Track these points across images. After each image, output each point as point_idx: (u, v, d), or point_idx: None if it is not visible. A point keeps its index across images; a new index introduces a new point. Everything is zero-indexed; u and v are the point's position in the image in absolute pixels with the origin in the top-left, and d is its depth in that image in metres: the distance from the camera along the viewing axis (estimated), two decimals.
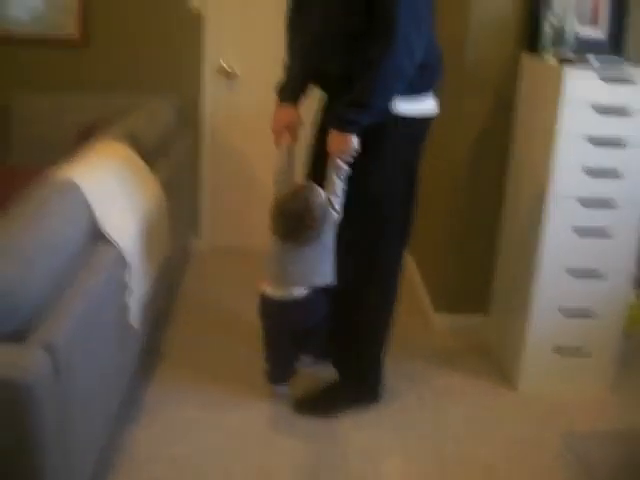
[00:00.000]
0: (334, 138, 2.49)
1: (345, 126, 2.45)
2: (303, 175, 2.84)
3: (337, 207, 2.54)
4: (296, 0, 2.75)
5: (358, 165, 2.55)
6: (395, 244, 2.83)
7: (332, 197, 2.53)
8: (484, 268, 3.53)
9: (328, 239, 2.56)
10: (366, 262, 2.77)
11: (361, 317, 2.85)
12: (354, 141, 2.46)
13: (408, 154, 2.72)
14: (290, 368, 2.88)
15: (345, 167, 2.51)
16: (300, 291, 2.61)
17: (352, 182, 2.57)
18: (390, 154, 2.61)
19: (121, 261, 2.36)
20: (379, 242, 2.75)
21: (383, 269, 2.83)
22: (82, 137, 3.31)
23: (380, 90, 2.42)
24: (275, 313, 2.70)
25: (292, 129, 2.75)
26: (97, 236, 2.30)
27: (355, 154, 2.49)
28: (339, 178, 2.52)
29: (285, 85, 2.77)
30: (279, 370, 2.87)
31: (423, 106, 2.63)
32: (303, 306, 2.64)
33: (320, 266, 2.59)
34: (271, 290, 2.64)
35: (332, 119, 2.51)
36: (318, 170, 2.64)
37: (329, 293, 2.68)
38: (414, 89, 2.54)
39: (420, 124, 2.67)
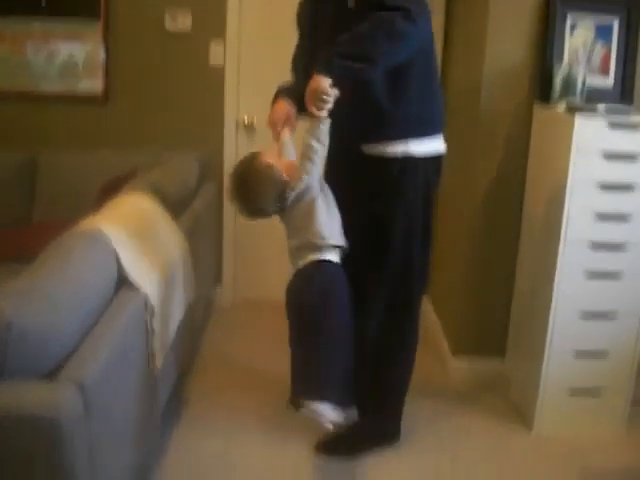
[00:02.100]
0: (311, 82, 2.35)
1: (321, 67, 2.33)
2: None
3: (312, 172, 2.46)
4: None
5: (383, 212, 2.64)
6: (419, 289, 2.89)
7: (306, 161, 2.45)
8: (500, 313, 3.57)
9: (312, 202, 2.48)
10: (394, 311, 2.81)
11: (390, 364, 2.90)
12: (326, 82, 2.30)
13: (425, 195, 2.74)
14: (327, 381, 2.48)
15: (321, 114, 2.37)
16: (316, 256, 2.48)
17: (371, 235, 2.66)
18: (411, 197, 2.67)
19: (146, 306, 2.44)
20: (407, 286, 2.80)
21: (411, 315, 2.88)
22: (106, 192, 3.36)
23: (368, 46, 2.36)
24: (290, 290, 2.54)
25: (290, 121, 2.65)
26: (123, 282, 2.39)
27: (328, 99, 2.32)
28: (316, 137, 2.41)
29: (283, 89, 2.75)
30: (310, 382, 2.50)
31: (435, 146, 2.71)
32: (312, 277, 2.48)
33: (318, 228, 2.47)
34: (294, 268, 2.54)
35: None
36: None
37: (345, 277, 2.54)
38: (427, 132, 2.65)
39: (433, 164, 2.74)
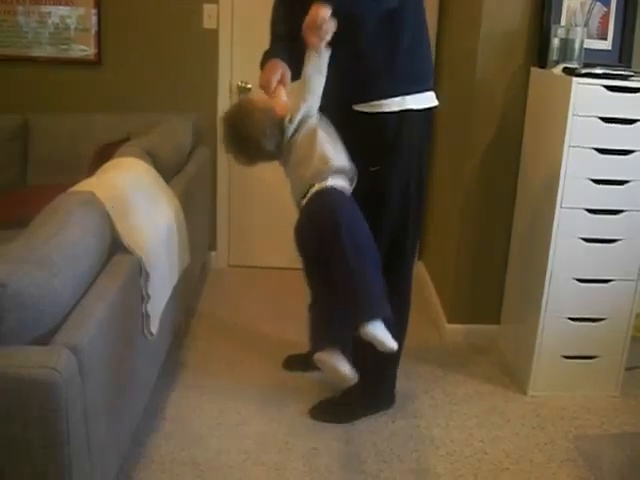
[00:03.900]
0: (310, 11, 2.29)
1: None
2: None
3: (312, 101, 2.42)
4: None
5: (373, 177, 2.61)
6: (412, 253, 2.88)
7: (305, 91, 2.41)
8: (496, 280, 3.59)
9: (312, 132, 2.42)
10: (387, 273, 2.79)
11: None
12: (326, 11, 2.25)
13: (419, 150, 2.72)
14: (338, 331, 2.41)
15: (320, 45, 2.33)
16: (323, 184, 2.36)
17: (368, 195, 2.57)
18: (407, 154, 2.65)
19: (140, 271, 2.43)
20: (402, 245, 2.78)
21: (402, 280, 2.88)
22: (100, 156, 3.37)
23: None
24: (299, 229, 2.41)
25: (284, 80, 2.52)
26: (117, 247, 2.38)
27: (327, 28, 2.27)
28: (315, 66, 2.38)
29: (269, 52, 2.67)
30: (326, 329, 2.44)
31: (429, 100, 2.69)
32: (320, 203, 2.35)
33: (322, 151, 2.38)
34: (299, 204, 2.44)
35: None
36: None
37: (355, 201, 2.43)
38: (422, 86, 2.64)
39: (427, 118, 2.71)
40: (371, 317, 2.23)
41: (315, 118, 2.46)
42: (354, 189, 2.48)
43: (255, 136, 2.43)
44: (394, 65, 2.56)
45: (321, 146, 2.39)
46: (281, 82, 2.52)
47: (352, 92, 2.59)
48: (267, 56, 2.64)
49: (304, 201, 2.38)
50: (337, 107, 2.56)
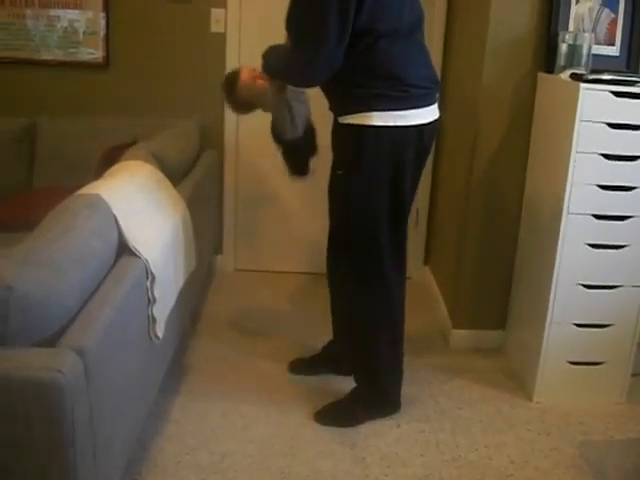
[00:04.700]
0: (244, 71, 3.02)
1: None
2: None
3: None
4: None
5: (340, 179, 2.79)
6: (387, 262, 2.84)
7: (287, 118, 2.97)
8: (501, 285, 3.58)
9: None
10: (364, 278, 2.84)
11: (360, 332, 2.93)
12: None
13: (387, 168, 2.73)
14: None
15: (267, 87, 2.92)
16: None
17: (338, 197, 2.87)
18: (367, 167, 2.70)
19: (146, 274, 2.43)
20: (369, 258, 2.82)
21: (381, 285, 2.86)
22: (106, 158, 3.37)
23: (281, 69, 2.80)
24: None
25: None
26: (124, 249, 2.38)
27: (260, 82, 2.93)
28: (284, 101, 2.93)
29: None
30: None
31: (405, 119, 2.67)
32: None
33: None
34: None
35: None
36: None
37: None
38: (394, 106, 2.64)
39: (407, 136, 2.71)
40: None
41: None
42: (331, 191, 2.93)
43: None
44: (355, 88, 2.65)
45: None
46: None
47: (330, 105, 2.83)
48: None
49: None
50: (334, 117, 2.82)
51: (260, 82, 2.94)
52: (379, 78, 2.62)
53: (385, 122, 2.63)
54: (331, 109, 2.81)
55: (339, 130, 2.78)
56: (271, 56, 2.87)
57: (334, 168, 2.86)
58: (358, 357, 2.99)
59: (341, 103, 2.74)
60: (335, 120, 2.79)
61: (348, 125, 2.69)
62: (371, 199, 2.74)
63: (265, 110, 3.04)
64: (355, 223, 2.78)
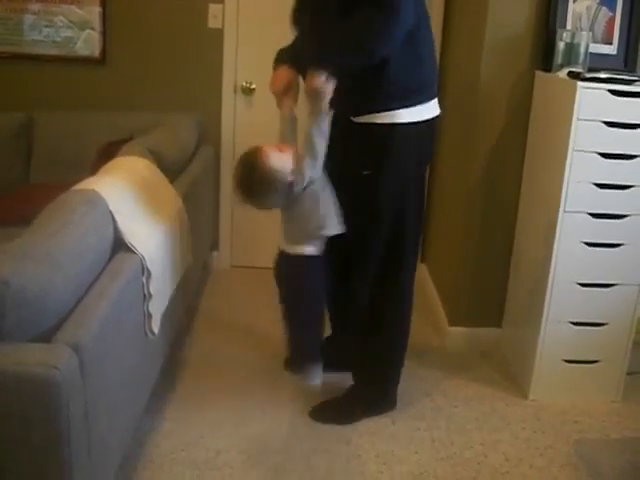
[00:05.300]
0: (307, 81, 2.45)
1: (313, 65, 2.42)
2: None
3: (316, 167, 2.52)
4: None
5: (366, 181, 2.66)
6: (409, 260, 2.87)
7: (309, 157, 2.50)
8: (498, 283, 3.58)
9: (315, 194, 2.56)
10: (385, 278, 2.82)
11: (380, 332, 2.90)
12: (321, 78, 2.39)
13: (417, 164, 2.75)
14: (310, 352, 2.77)
15: (322, 109, 2.45)
16: (305, 249, 2.64)
17: (363, 199, 2.69)
18: (398, 156, 2.66)
19: (142, 269, 2.43)
20: (391, 259, 2.80)
21: (401, 285, 2.88)
22: (103, 154, 3.37)
23: (357, 42, 2.45)
24: (282, 266, 2.76)
25: (292, 90, 2.71)
26: (119, 245, 2.38)
27: (325, 93, 2.41)
28: (318, 131, 2.47)
29: (284, 52, 2.79)
30: (300, 353, 2.82)
31: (424, 113, 2.68)
32: (303, 264, 2.68)
33: (316, 219, 2.59)
34: (283, 246, 2.70)
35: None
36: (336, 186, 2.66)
37: (330, 264, 2.73)
38: (416, 100, 2.63)
39: (425, 131, 2.71)
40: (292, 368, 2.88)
41: (319, 180, 2.57)
42: (350, 194, 2.67)
43: (265, 200, 2.59)
44: (384, 84, 2.57)
45: (321, 214, 2.58)
46: (288, 91, 2.68)
47: (350, 106, 2.64)
48: (278, 58, 2.75)
49: (286, 249, 2.68)
50: (339, 116, 2.60)
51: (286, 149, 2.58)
52: (416, 67, 2.59)
53: (412, 118, 2.62)
54: (342, 109, 2.61)
55: (358, 131, 2.66)
56: (326, 44, 2.49)
57: (355, 169, 2.69)
58: (370, 358, 2.97)
59: (366, 100, 2.62)
60: (348, 120, 2.66)
61: (372, 125, 2.62)
62: (400, 198, 2.72)
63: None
64: (385, 222, 2.73)
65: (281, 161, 2.51)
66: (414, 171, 2.75)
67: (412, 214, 2.78)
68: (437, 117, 2.75)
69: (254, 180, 2.51)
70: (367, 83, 2.57)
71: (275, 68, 2.74)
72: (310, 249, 2.63)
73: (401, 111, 2.59)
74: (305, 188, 2.54)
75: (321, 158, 2.51)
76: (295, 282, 2.73)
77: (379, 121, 2.61)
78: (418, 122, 2.65)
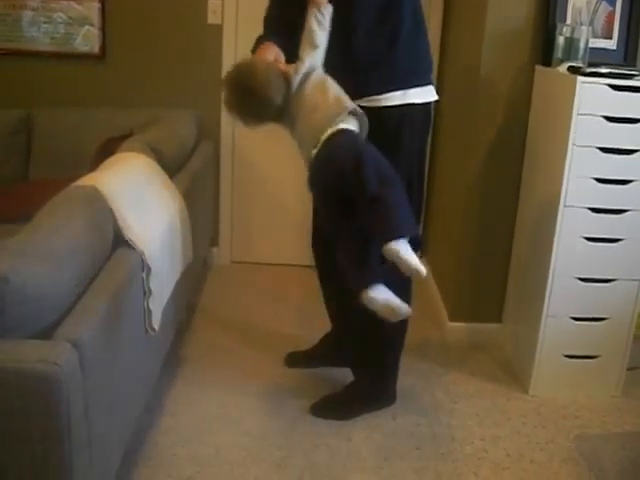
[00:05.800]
0: None
1: None
2: None
3: (316, 55, 2.39)
4: None
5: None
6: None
7: (308, 46, 2.38)
8: (498, 278, 3.58)
9: (321, 78, 2.40)
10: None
11: (378, 327, 2.89)
12: None
13: (420, 145, 2.73)
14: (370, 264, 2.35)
15: (322, 3, 2.34)
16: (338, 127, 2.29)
17: None
18: (409, 148, 2.64)
19: (142, 266, 2.43)
20: None
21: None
22: (103, 150, 3.36)
23: None
24: (316, 166, 2.32)
25: (277, 57, 2.50)
26: (119, 241, 2.38)
27: None
28: (318, 21, 2.35)
29: (264, 35, 2.65)
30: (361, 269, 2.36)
31: (430, 94, 2.68)
32: (339, 143, 2.28)
33: (336, 95, 2.37)
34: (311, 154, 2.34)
35: None
36: None
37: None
38: (423, 80, 2.62)
39: (427, 111, 2.70)
40: (397, 235, 2.16)
41: (320, 69, 2.42)
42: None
43: (262, 88, 2.33)
44: (394, 58, 2.54)
45: (334, 91, 2.36)
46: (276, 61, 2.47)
47: (352, 87, 2.46)
48: (260, 40, 2.61)
49: (315, 151, 2.30)
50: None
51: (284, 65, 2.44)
52: (422, 46, 2.59)
53: (422, 99, 2.60)
54: (354, 90, 2.44)
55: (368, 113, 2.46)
56: None
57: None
58: (369, 355, 2.97)
59: (376, 81, 2.55)
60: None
61: (383, 107, 2.56)
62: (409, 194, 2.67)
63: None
64: None
65: (267, 60, 2.43)
66: (419, 154, 2.73)
67: (416, 203, 2.72)
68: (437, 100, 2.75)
69: (248, 77, 2.35)
70: (371, 61, 2.53)
71: (255, 48, 2.58)
72: (343, 125, 2.31)
73: (411, 91, 2.57)
74: (308, 76, 2.38)
75: (321, 47, 2.39)
76: (343, 155, 2.26)
77: (388, 103, 2.56)
78: (427, 103, 2.64)
